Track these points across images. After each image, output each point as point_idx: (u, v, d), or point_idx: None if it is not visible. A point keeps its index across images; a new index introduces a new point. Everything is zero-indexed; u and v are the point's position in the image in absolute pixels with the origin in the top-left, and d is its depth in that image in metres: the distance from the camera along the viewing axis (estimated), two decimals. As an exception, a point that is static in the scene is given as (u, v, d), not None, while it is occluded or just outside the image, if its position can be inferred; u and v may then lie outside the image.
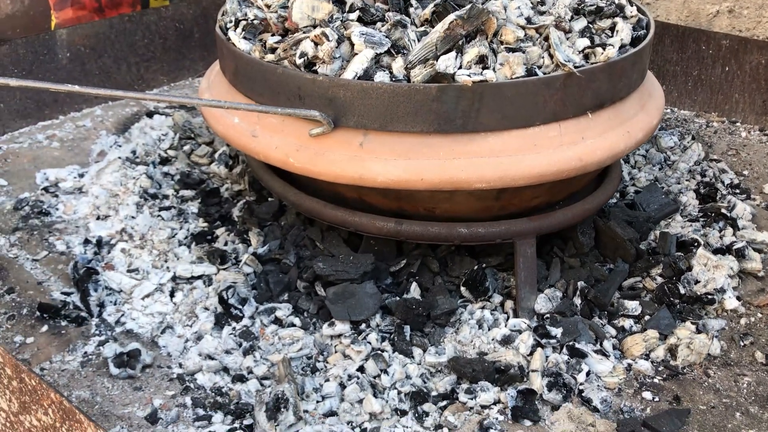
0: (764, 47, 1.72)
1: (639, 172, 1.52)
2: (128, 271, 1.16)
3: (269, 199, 1.32)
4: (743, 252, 1.23)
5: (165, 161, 1.47)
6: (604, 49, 1.01)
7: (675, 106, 1.88)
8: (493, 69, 0.97)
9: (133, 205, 1.30)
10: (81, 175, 1.45)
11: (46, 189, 1.42)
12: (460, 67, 0.96)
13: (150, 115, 1.69)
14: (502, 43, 0.99)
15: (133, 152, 1.47)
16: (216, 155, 1.45)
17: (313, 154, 1.02)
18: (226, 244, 1.24)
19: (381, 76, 0.98)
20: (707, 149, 1.67)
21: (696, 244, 1.23)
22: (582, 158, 1.01)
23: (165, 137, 1.52)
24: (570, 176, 1.02)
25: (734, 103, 1.80)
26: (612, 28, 1.12)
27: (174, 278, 1.15)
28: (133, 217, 1.28)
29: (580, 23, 1.08)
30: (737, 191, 1.46)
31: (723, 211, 1.34)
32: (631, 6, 1.22)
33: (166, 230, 1.26)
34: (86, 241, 1.24)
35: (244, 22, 1.11)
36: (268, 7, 1.10)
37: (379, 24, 1.04)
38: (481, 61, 0.96)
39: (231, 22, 1.16)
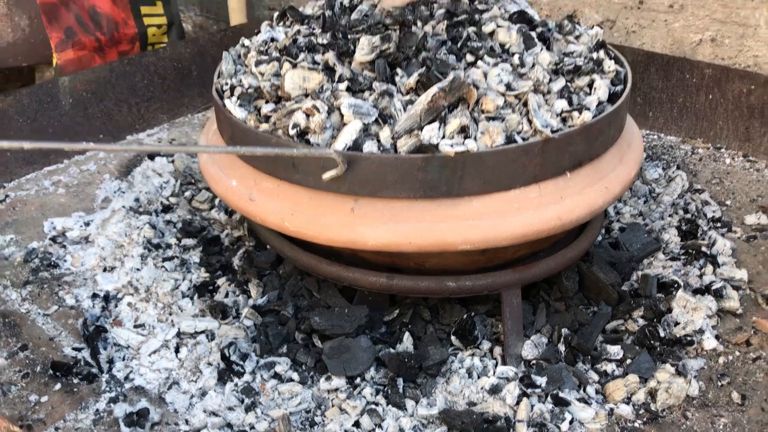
0: (745, 77, 1.77)
1: (624, 205, 1.58)
2: (135, 326, 1.22)
3: (268, 246, 1.37)
4: (721, 292, 1.28)
5: (167, 209, 1.52)
6: (580, 113, 1.07)
7: (662, 131, 1.93)
8: (475, 138, 1.02)
9: (137, 257, 1.36)
10: (87, 224, 1.50)
11: (53, 239, 1.48)
12: (444, 137, 1.02)
13: (152, 157, 1.74)
14: (483, 111, 1.05)
15: (137, 200, 1.53)
16: (216, 201, 1.51)
17: (307, 219, 1.07)
18: (227, 295, 1.30)
19: (370, 146, 1.03)
20: (692, 178, 1.72)
21: (676, 285, 1.29)
22: (561, 217, 1.07)
23: (167, 184, 1.58)
24: (550, 234, 1.08)
25: (719, 129, 1.85)
26: (590, 85, 1.17)
27: (179, 334, 1.21)
28: (138, 269, 1.34)
29: (559, 83, 1.13)
30: (719, 225, 1.52)
31: (704, 249, 1.39)
32: (610, 59, 1.27)
33: (169, 281, 1.32)
34: (94, 295, 1.30)
35: (239, 89, 1.17)
36: (262, 74, 1.16)
37: (367, 93, 1.09)
38: (463, 131, 1.02)
39: (227, 85, 1.22)
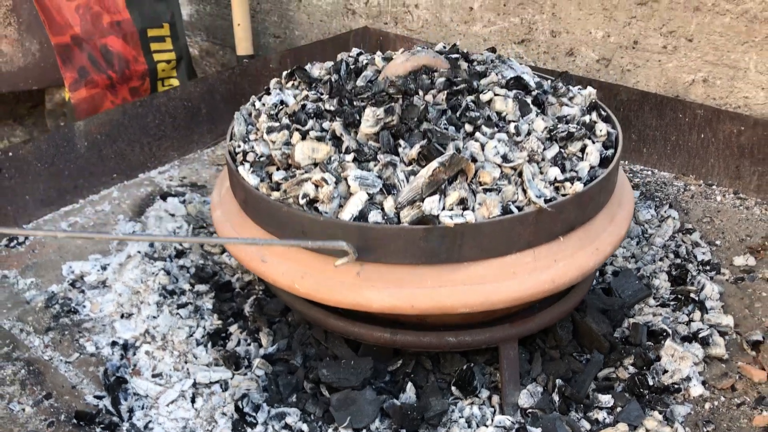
0: (735, 118, 1.84)
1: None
2: (153, 375, 1.30)
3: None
4: (708, 340, 1.36)
5: (180, 254, 1.60)
6: (572, 183, 1.14)
7: (656, 167, 2.00)
8: (473, 209, 1.09)
9: (153, 305, 1.43)
10: (104, 267, 1.58)
11: (72, 284, 1.55)
12: (444, 209, 1.09)
13: (164, 197, 1.82)
14: (480, 183, 1.12)
15: (151, 245, 1.60)
16: (227, 245, 1.58)
17: (316, 282, 1.15)
18: (239, 343, 1.37)
19: (374, 215, 1.10)
20: (683, 217, 1.79)
21: (664, 333, 1.36)
22: (554, 280, 1.14)
23: (180, 229, 1.65)
24: (544, 296, 1.15)
25: (710, 167, 1.92)
26: (583, 149, 1.24)
27: (194, 384, 1.28)
28: (154, 317, 1.41)
29: (553, 150, 1.20)
30: (708, 267, 1.59)
31: (692, 295, 1.46)
32: (602, 121, 1.34)
33: (184, 329, 1.40)
34: (113, 343, 1.38)
35: (252, 154, 1.24)
36: (273, 142, 1.23)
37: (372, 163, 1.16)
38: (462, 202, 1.09)
39: (239, 147, 1.29)
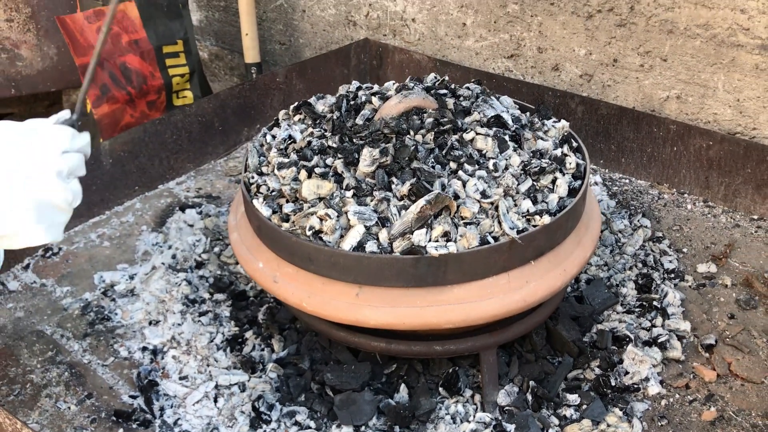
0: (705, 134, 2.01)
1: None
2: (180, 378, 1.49)
3: (287, 302, 1.63)
4: (666, 344, 1.54)
5: (200, 265, 1.79)
6: (542, 216, 1.32)
7: (633, 176, 2.18)
8: (455, 240, 1.28)
9: (178, 313, 1.63)
10: (131, 277, 1.77)
11: (104, 293, 1.74)
12: (430, 240, 1.27)
13: (182, 208, 2.00)
14: (462, 218, 1.30)
15: (173, 257, 1.79)
16: (241, 257, 1.77)
17: (321, 301, 1.33)
18: (254, 348, 1.56)
19: (371, 245, 1.28)
20: (655, 225, 1.97)
21: (627, 339, 1.55)
22: (526, 299, 1.32)
23: (198, 242, 1.83)
24: (518, 313, 1.34)
25: (682, 177, 2.09)
26: (554, 182, 1.42)
27: (216, 386, 1.48)
28: (179, 324, 1.61)
29: (526, 184, 1.38)
30: (672, 275, 1.77)
31: (655, 303, 1.65)
32: (573, 151, 1.51)
33: (205, 335, 1.59)
34: (144, 348, 1.57)
35: (264, 188, 1.42)
36: (283, 177, 1.40)
37: (368, 198, 1.34)
38: (446, 235, 1.27)
39: (253, 179, 1.46)
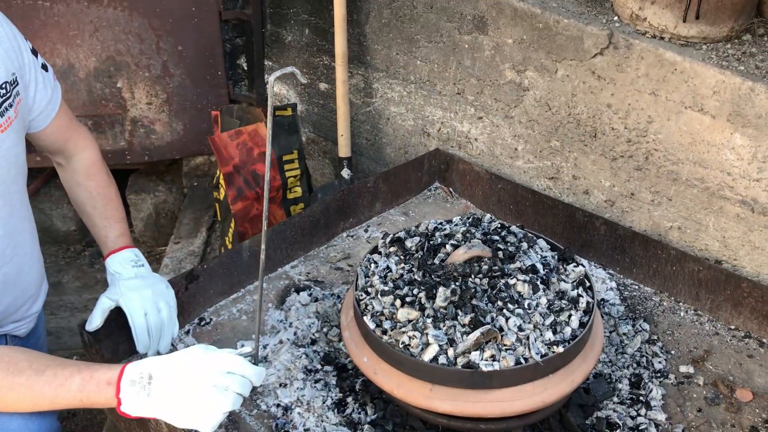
0: (697, 260, 2.62)
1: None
2: (304, 430, 2.18)
3: (376, 377, 2.30)
4: (645, 431, 2.17)
5: (313, 342, 2.48)
6: (558, 346, 1.97)
7: (642, 283, 2.79)
8: (498, 360, 1.93)
9: (300, 380, 2.32)
10: (264, 347, 2.47)
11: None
12: (482, 359, 1.93)
13: (298, 291, 2.70)
14: (504, 345, 1.96)
15: (295, 334, 2.48)
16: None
17: (407, 391, 2.00)
18: (353, 411, 2.24)
19: (442, 359, 1.95)
20: (653, 328, 2.59)
21: (617, 426, 2.18)
22: (545, 401, 1.97)
23: (312, 324, 2.53)
24: (538, 410, 1.99)
25: (679, 289, 2.70)
26: (569, 317, 2.06)
27: (329, 439, 2.16)
28: (301, 388, 2.30)
29: (549, 319, 2.03)
30: (659, 374, 2.39)
31: (641, 398, 2.28)
32: (586, 291, 2.15)
33: (320, 398, 2.27)
34: (277, 405, 2.26)
35: (370, 306, 2.10)
36: (384, 302, 2.08)
37: (442, 324, 2.00)
38: (493, 357, 1.93)
39: (362, 297, 2.14)
